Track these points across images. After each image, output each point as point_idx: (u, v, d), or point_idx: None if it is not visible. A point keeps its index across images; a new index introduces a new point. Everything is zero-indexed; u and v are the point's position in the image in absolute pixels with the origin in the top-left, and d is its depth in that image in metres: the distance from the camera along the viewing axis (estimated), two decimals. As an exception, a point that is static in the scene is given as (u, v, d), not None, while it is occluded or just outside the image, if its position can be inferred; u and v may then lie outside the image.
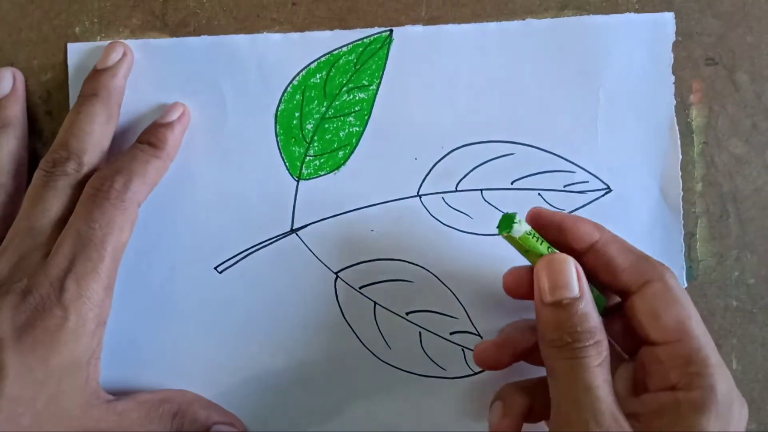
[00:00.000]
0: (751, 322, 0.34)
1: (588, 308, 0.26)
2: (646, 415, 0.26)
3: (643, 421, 0.26)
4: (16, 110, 0.33)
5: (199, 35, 0.34)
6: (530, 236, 0.28)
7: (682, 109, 0.34)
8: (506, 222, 0.28)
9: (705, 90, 0.34)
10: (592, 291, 0.27)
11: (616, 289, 0.28)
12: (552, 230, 0.29)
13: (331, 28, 0.34)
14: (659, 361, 0.27)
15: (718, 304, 0.34)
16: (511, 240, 0.28)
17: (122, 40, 0.34)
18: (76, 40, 0.34)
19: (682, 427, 0.25)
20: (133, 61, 0.34)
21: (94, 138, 0.31)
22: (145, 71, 0.34)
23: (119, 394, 0.30)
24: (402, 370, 0.34)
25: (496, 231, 0.28)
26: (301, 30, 0.34)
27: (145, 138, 0.32)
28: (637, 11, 0.34)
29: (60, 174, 0.30)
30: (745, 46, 0.34)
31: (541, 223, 0.29)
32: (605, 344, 0.26)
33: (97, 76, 0.33)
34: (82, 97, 0.32)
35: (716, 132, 0.34)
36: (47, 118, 0.34)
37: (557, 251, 0.28)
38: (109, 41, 0.34)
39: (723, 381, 0.25)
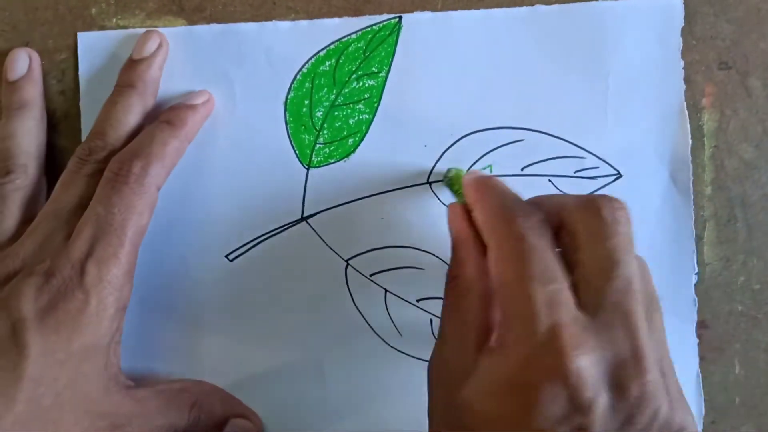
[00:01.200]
0: (756, 328, 0.34)
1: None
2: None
3: None
4: (33, 91, 0.33)
5: (214, 21, 0.34)
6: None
7: (694, 112, 0.34)
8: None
9: (717, 94, 0.34)
10: None
11: None
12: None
13: (346, 18, 0.34)
14: None
15: (723, 308, 0.34)
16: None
17: (137, 29, 0.34)
18: (92, 21, 0.34)
19: None
20: (168, 50, 0.34)
21: (130, 129, 0.32)
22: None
23: (133, 381, 0.31)
24: (413, 357, 0.34)
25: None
26: (317, 19, 0.34)
27: (165, 117, 0.32)
28: (645, -3, 0.33)
29: (94, 162, 0.31)
30: (758, 51, 0.34)
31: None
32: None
33: (133, 66, 0.33)
34: (119, 88, 0.32)
35: (727, 136, 0.34)
36: (61, 97, 0.34)
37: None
38: (123, 28, 0.34)
39: None
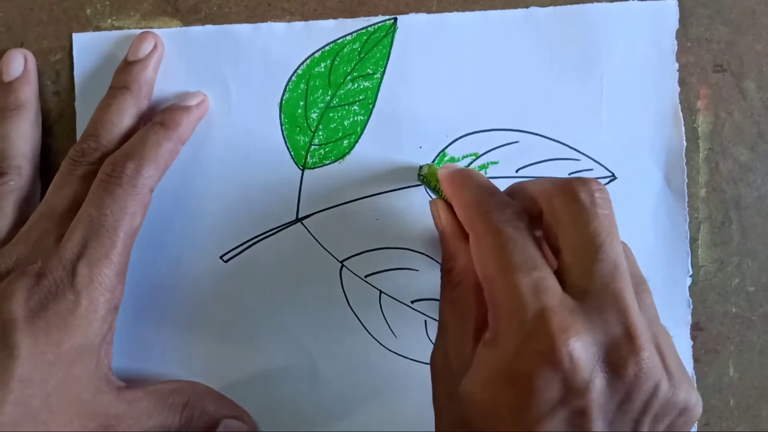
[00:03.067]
0: (750, 329, 0.34)
1: None
2: None
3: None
4: (29, 92, 0.33)
5: (209, 22, 0.34)
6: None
7: (688, 114, 0.34)
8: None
9: (712, 96, 0.34)
10: None
11: None
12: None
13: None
14: None
15: (718, 310, 0.34)
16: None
17: (132, 29, 0.34)
18: (87, 22, 0.34)
19: None
20: (164, 52, 0.34)
21: (124, 130, 0.32)
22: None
23: (125, 382, 0.31)
24: (408, 358, 0.34)
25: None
26: (312, 20, 0.34)
27: (158, 118, 0.32)
28: (640, -1, 0.34)
29: (87, 163, 0.31)
30: (753, 53, 0.34)
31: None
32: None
33: (128, 68, 0.33)
34: (113, 89, 0.32)
35: (722, 139, 0.34)
36: (56, 98, 0.34)
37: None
38: (117, 29, 0.34)
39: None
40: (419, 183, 0.34)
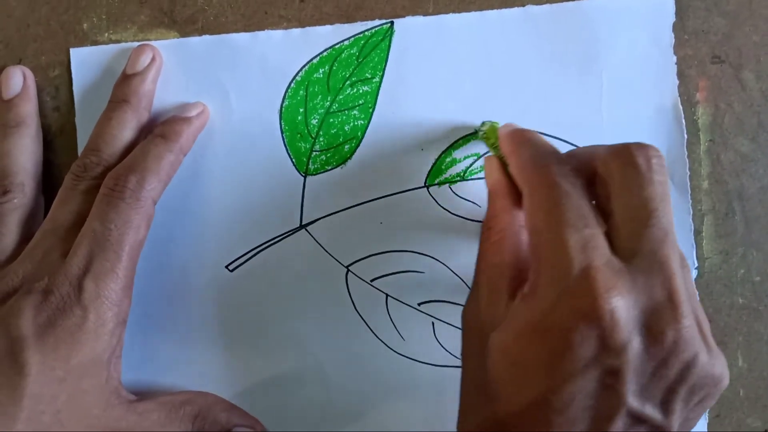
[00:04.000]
0: (757, 320, 0.34)
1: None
2: None
3: None
4: (29, 109, 0.33)
5: (206, 32, 0.34)
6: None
7: (688, 107, 0.34)
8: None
9: (711, 88, 0.34)
10: None
11: None
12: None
13: (339, 25, 0.34)
14: None
15: (724, 301, 0.34)
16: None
17: (129, 42, 0.34)
18: (84, 36, 0.34)
19: None
20: (162, 64, 0.34)
21: (125, 144, 0.32)
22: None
23: (135, 394, 0.31)
24: (416, 360, 0.34)
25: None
26: (309, 27, 0.34)
27: (159, 130, 0.32)
28: (637, -6, 0.34)
29: (89, 178, 0.31)
30: (751, 44, 0.34)
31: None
32: None
33: (127, 81, 0.33)
34: (113, 103, 0.32)
35: (722, 130, 0.34)
36: (55, 114, 0.34)
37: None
38: (115, 42, 0.34)
39: None
40: (422, 185, 0.34)
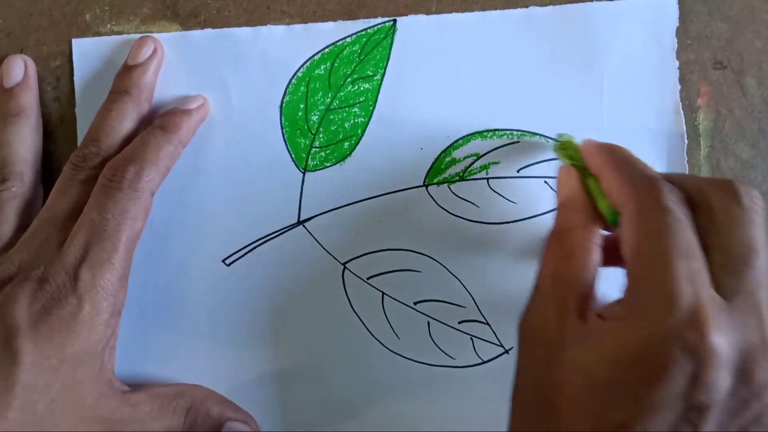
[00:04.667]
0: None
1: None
2: None
3: None
4: (29, 98, 0.33)
5: (209, 26, 0.34)
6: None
7: (689, 112, 0.34)
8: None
9: (712, 94, 0.34)
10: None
11: None
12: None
13: (340, 22, 0.34)
14: None
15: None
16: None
17: (132, 34, 0.34)
18: (87, 27, 0.34)
19: None
20: (164, 56, 0.34)
21: (124, 135, 0.32)
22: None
23: (129, 385, 0.31)
24: (411, 360, 0.34)
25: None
26: (311, 23, 0.34)
27: (159, 122, 0.32)
28: (640, -3, 0.34)
29: (88, 168, 0.31)
30: (753, 50, 0.34)
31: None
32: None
33: (128, 72, 0.33)
34: (114, 94, 0.33)
35: (723, 136, 0.34)
36: (56, 104, 0.34)
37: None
38: (117, 33, 0.34)
39: None
40: (421, 185, 0.34)
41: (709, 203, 0.26)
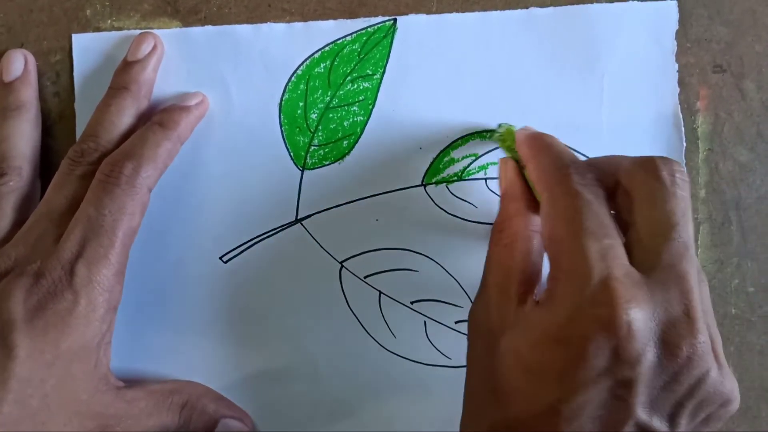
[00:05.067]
0: (750, 330, 0.34)
1: None
2: None
3: None
4: (29, 93, 0.33)
5: (209, 23, 0.34)
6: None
7: (688, 115, 0.34)
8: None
9: (711, 97, 0.34)
10: None
11: None
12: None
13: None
14: None
15: (717, 311, 0.34)
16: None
17: (132, 30, 0.34)
18: (87, 23, 0.34)
19: None
20: (164, 52, 0.34)
21: (123, 131, 0.32)
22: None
23: (125, 382, 0.31)
24: (407, 359, 0.34)
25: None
26: (311, 21, 0.34)
27: (157, 118, 0.32)
28: (640, -1, 0.34)
29: (86, 163, 0.31)
30: (753, 54, 0.34)
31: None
32: None
33: (127, 68, 0.33)
34: (113, 90, 0.32)
35: (722, 139, 0.34)
36: (55, 99, 0.34)
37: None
38: (117, 29, 0.34)
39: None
40: (419, 184, 0.34)
41: (629, 181, 0.26)
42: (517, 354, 0.25)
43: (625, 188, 0.26)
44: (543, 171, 0.28)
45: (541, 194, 0.27)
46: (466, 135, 0.34)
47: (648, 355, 0.23)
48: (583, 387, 0.23)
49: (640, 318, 0.23)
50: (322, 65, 0.34)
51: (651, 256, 0.25)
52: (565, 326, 0.24)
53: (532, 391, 0.25)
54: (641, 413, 0.24)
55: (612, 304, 0.23)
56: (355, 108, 0.34)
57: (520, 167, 0.30)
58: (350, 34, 0.34)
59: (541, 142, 0.29)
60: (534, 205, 0.29)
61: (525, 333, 0.25)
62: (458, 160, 0.34)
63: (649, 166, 0.26)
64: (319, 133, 0.34)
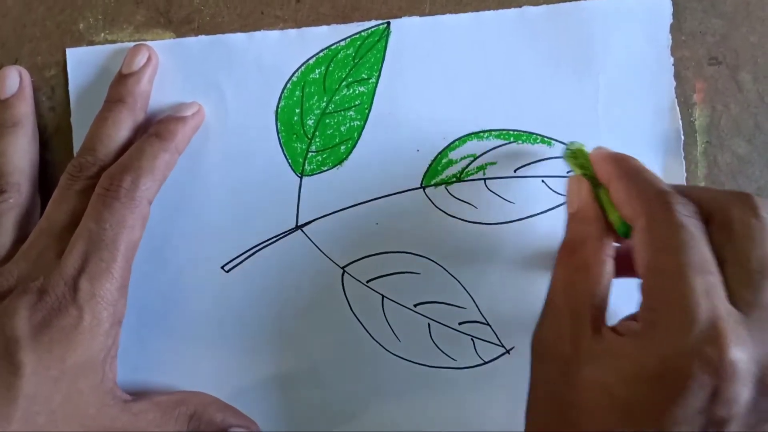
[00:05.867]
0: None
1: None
2: None
3: None
4: (25, 109, 0.33)
5: (202, 32, 0.34)
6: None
7: (685, 108, 0.34)
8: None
9: (708, 90, 0.34)
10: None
11: None
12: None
13: (335, 25, 0.34)
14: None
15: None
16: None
17: (125, 43, 0.34)
18: (80, 36, 0.34)
19: None
20: (158, 64, 0.34)
21: (120, 144, 0.32)
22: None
23: (131, 394, 0.31)
24: (412, 362, 0.34)
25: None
26: (305, 27, 0.34)
27: (154, 130, 0.32)
28: (634, -5, 0.33)
29: (85, 178, 0.31)
30: (748, 46, 0.34)
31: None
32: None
33: (122, 81, 0.33)
34: (109, 103, 0.32)
35: (719, 132, 0.34)
36: (51, 114, 0.34)
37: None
38: (111, 42, 0.34)
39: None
40: (418, 187, 0.34)
41: (726, 216, 0.26)
42: (606, 388, 0.24)
43: (721, 223, 0.26)
44: (638, 196, 0.27)
45: (635, 220, 0.26)
46: (464, 136, 0.34)
47: (746, 395, 0.23)
48: (678, 425, 0.23)
49: (744, 359, 0.23)
50: (317, 71, 0.34)
51: (750, 294, 0.24)
52: (667, 363, 0.23)
53: (623, 427, 0.24)
54: None
55: (719, 344, 0.23)
56: (351, 113, 0.34)
57: (593, 186, 0.29)
58: (344, 39, 0.34)
59: (629, 164, 0.28)
60: (609, 228, 0.28)
61: (614, 366, 0.25)
62: (456, 162, 0.34)
63: (749, 202, 0.26)
64: (317, 139, 0.34)
